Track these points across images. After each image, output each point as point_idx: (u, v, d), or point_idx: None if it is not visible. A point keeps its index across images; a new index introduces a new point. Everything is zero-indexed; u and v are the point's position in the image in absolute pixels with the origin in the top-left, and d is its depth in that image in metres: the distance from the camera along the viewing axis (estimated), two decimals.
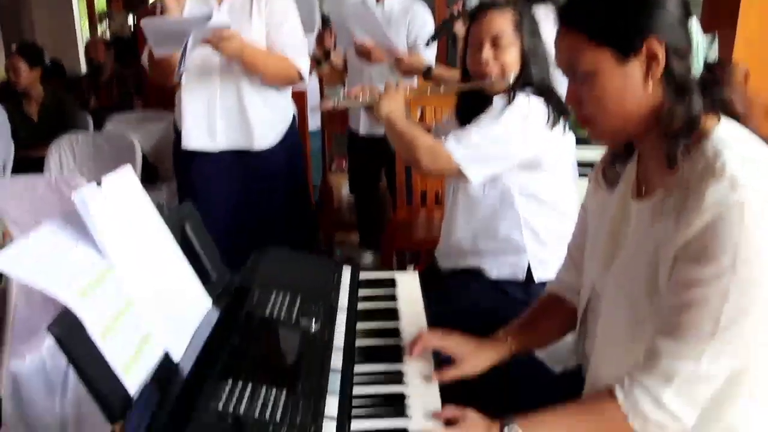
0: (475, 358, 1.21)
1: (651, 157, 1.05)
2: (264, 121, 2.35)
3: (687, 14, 0.97)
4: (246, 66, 2.23)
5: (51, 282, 0.88)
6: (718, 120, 0.98)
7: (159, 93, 4.38)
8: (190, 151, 2.31)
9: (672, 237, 0.94)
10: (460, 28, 2.50)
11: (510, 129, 1.62)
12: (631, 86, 0.97)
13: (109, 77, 4.72)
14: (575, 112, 1.06)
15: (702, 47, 0.97)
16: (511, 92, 1.66)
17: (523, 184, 1.71)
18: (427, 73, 2.58)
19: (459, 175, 1.65)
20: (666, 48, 0.95)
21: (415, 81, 2.90)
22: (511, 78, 1.67)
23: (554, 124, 1.65)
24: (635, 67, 0.96)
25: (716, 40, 1.00)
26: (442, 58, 3.74)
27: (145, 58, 2.30)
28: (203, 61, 2.25)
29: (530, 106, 1.64)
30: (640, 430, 0.96)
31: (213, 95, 2.29)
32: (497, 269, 1.78)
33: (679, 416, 0.94)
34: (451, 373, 1.18)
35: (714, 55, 1.00)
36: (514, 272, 1.76)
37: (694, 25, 0.97)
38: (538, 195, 1.73)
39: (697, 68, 0.97)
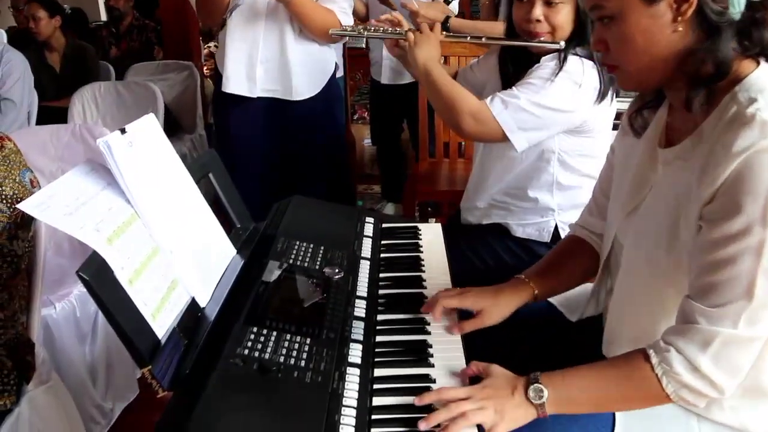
0: (496, 308, 1.19)
1: (679, 102, 1.01)
2: (303, 71, 2.32)
3: None
4: (294, 10, 2.17)
5: (79, 227, 0.89)
6: (757, 65, 0.93)
7: (179, 43, 4.34)
8: (229, 94, 2.31)
9: (696, 190, 0.91)
10: None
11: (562, 96, 1.53)
12: (660, 28, 0.92)
13: (129, 26, 4.68)
14: (602, 57, 1.03)
15: None
16: (562, 54, 1.56)
17: (563, 147, 1.65)
18: (444, 25, 2.48)
19: (504, 140, 1.56)
20: None
21: None
22: (563, 43, 1.55)
23: (605, 92, 1.55)
24: (664, 7, 0.91)
25: None
26: (466, 6, 3.64)
27: None
28: (249, 6, 2.22)
29: (584, 71, 1.54)
30: (673, 395, 0.93)
31: (256, 41, 2.26)
32: (523, 228, 1.75)
33: (717, 383, 0.91)
34: (470, 325, 1.16)
35: None
36: (540, 233, 1.74)
37: None
38: (575, 159, 1.67)
39: (736, 8, 0.90)
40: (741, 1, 0.91)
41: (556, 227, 1.73)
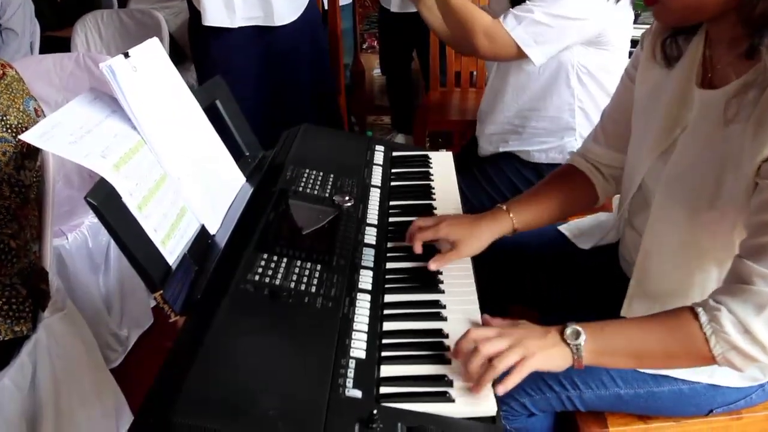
0: (473, 239, 1.12)
1: (724, 40, 0.92)
2: None
3: None
4: None
5: (84, 155, 0.87)
6: None
7: None
8: (207, 27, 2.24)
9: (750, 143, 0.85)
10: None
11: (576, 3, 1.48)
12: None
13: None
14: None
15: None
16: None
17: (581, 61, 1.60)
18: None
19: (520, 56, 1.53)
20: None
21: None
22: None
23: None
24: None
25: None
26: None
27: None
28: None
29: None
30: (720, 357, 0.87)
31: None
32: (541, 153, 1.72)
33: (767, 346, 0.85)
34: (446, 258, 1.09)
35: None
36: (560, 156, 1.70)
37: None
38: (595, 74, 1.62)
39: None
40: None
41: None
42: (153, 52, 1.09)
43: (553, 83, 1.65)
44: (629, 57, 1.69)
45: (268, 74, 2.34)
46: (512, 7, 1.61)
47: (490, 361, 0.85)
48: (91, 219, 1.93)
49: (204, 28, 2.23)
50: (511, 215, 1.17)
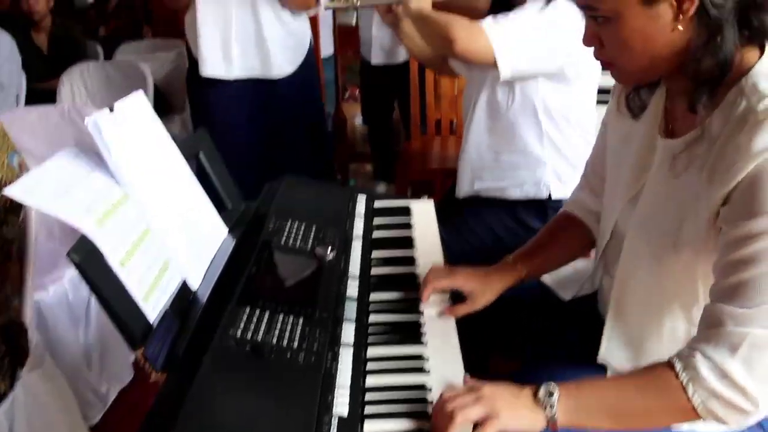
0: (485, 291, 1.18)
1: (680, 93, 0.97)
2: (281, 47, 2.28)
3: None
4: None
5: (67, 210, 0.88)
6: (761, 52, 0.89)
7: (168, 21, 4.28)
8: (205, 78, 2.27)
9: (705, 189, 0.88)
10: None
11: (550, 23, 1.54)
12: (659, 28, 0.87)
13: (117, 5, 4.62)
14: (596, 52, 0.97)
15: None
16: None
17: (546, 96, 1.66)
18: None
19: (489, 60, 1.56)
20: None
21: None
22: None
23: None
24: (665, 8, 0.86)
25: None
26: None
27: None
28: None
29: (571, 8, 1.55)
30: (700, 407, 0.85)
31: (228, 19, 2.21)
32: (516, 188, 1.75)
33: (749, 392, 0.83)
34: (463, 309, 1.16)
35: None
36: (534, 189, 1.74)
37: None
38: (560, 109, 1.68)
39: None
40: None
41: (551, 182, 1.73)
42: (138, 106, 1.10)
43: (520, 117, 1.70)
44: (596, 93, 1.75)
45: (264, 125, 2.36)
46: None
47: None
48: (72, 272, 1.91)
49: (201, 78, 2.26)
50: (518, 266, 1.23)
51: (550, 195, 1.73)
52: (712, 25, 0.86)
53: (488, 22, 1.55)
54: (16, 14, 3.83)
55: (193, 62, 2.30)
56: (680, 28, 0.87)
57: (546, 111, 1.68)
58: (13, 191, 0.86)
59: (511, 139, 1.73)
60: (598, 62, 0.99)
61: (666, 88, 1.03)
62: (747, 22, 0.87)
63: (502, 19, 1.56)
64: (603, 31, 0.93)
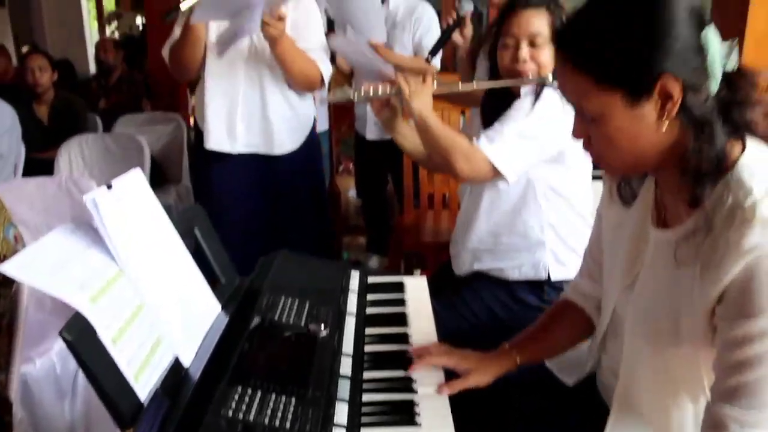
0: (480, 372, 1.20)
1: (670, 187, 0.99)
2: (285, 127, 2.34)
3: (701, 26, 0.87)
4: (280, 56, 2.16)
5: (62, 287, 0.88)
6: (743, 145, 0.91)
7: (167, 95, 4.39)
8: (209, 151, 2.30)
9: (699, 284, 0.89)
10: (458, 37, 2.47)
11: (543, 122, 1.59)
12: (645, 127, 0.90)
13: (119, 78, 4.73)
14: (584, 147, 1.00)
15: (720, 62, 0.87)
16: (538, 87, 1.63)
17: (546, 177, 1.69)
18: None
19: (495, 175, 1.61)
20: (682, 84, 0.86)
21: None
22: (550, 76, 1.60)
23: None
24: (648, 108, 0.88)
25: (736, 46, 0.90)
26: (448, 60, 3.73)
27: (166, 51, 2.26)
28: (228, 60, 2.22)
29: (561, 101, 1.60)
30: None
31: (235, 96, 2.26)
32: (515, 269, 1.76)
33: None
34: (457, 385, 1.16)
35: (733, 63, 0.90)
36: (533, 271, 1.74)
37: (710, 37, 0.87)
38: (558, 190, 1.71)
39: (714, 86, 0.88)
40: (718, 75, 0.88)
41: (550, 264, 1.74)
42: (135, 183, 1.12)
43: (522, 201, 1.72)
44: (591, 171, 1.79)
45: (265, 200, 2.39)
46: (484, 128, 1.71)
47: None
48: (60, 345, 1.88)
49: (206, 151, 2.30)
50: (515, 353, 1.24)
51: (549, 276, 1.74)
52: (699, 123, 0.88)
53: (485, 145, 1.59)
54: (20, 86, 3.92)
55: (199, 134, 2.35)
56: (664, 127, 0.89)
57: (546, 193, 1.71)
58: (8, 268, 0.86)
59: (511, 223, 1.75)
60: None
61: (656, 180, 1.04)
62: (730, 117, 0.89)
63: (495, 136, 1.60)
64: (590, 128, 0.95)
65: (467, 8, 2.35)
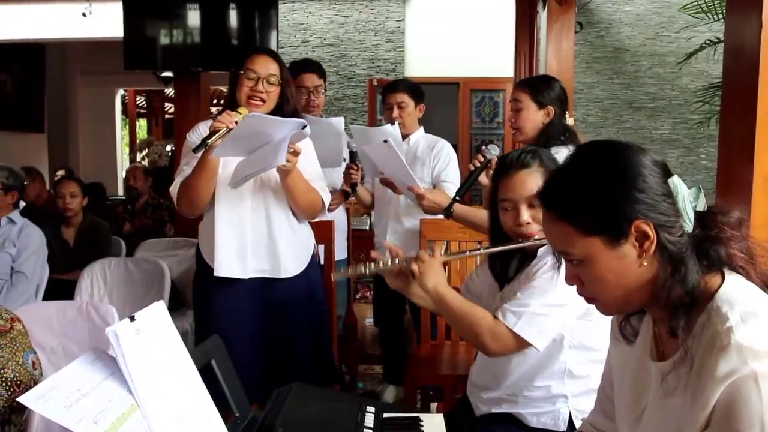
0: None
1: (661, 320, 1.04)
2: (290, 250, 2.39)
3: (666, 176, 0.99)
4: (289, 186, 2.25)
5: (76, 421, 0.88)
6: (723, 278, 0.98)
7: (190, 221, 4.50)
8: (216, 277, 2.33)
9: (689, 413, 0.92)
10: (484, 178, 2.57)
11: (566, 289, 1.59)
12: (628, 265, 0.99)
13: (144, 203, 4.90)
14: (578, 290, 1.07)
15: (689, 204, 0.98)
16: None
17: (572, 333, 1.68)
18: (448, 210, 2.57)
19: (525, 347, 1.60)
20: (653, 225, 0.96)
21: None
22: None
23: None
24: (628, 247, 0.98)
25: (702, 191, 1.02)
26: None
27: (174, 189, 2.34)
28: (235, 192, 2.29)
29: None
30: None
31: (243, 224, 2.32)
32: (537, 418, 1.72)
33: None
34: None
35: (702, 203, 1.01)
36: (556, 421, 1.70)
37: (677, 182, 0.98)
38: (584, 343, 1.68)
39: (688, 225, 0.98)
40: (690, 216, 0.98)
41: (570, 415, 1.69)
42: (157, 316, 1.14)
43: (547, 356, 1.69)
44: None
45: (265, 324, 2.39)
46: (498, 283, 1.71)
47: None
48: None
49: (211, 278, 2.32)
50: None
51: (568, 428, 1.69)
52: (674, 259, 0.97)
53: (512, 321, 1.58)
54: (50, 210, 4.06)
55: (202, 262, 2.39)
56: (645, 263, 0.98)
57: (571, 346, 1.69)
58: (27, 399, 0.87)
59: (535, 378, 1.72)
60: None
61: (652, 315, 1.09)
62: (704, 253, 0.98)
63: (522, 312, 1.59)
64: (580, 271, 1.03)
65: (494, 153, 2.47)
